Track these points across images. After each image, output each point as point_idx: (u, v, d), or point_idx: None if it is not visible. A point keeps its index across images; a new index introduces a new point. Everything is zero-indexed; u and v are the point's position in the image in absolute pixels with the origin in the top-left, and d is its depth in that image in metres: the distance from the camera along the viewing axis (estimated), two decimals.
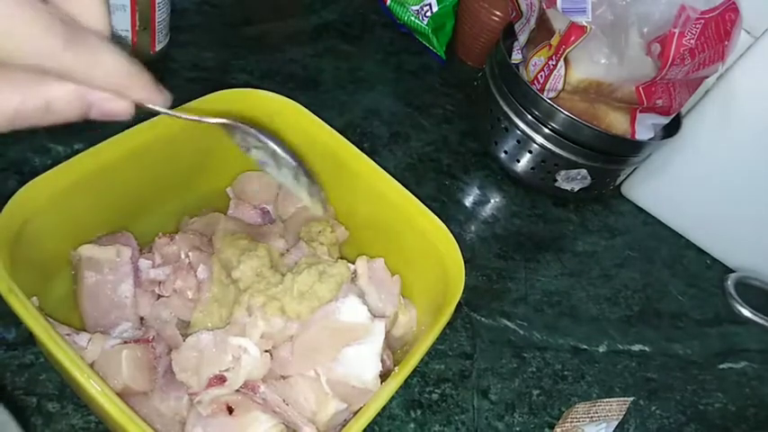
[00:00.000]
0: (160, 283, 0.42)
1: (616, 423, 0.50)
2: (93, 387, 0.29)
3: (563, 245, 0.65)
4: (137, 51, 0.59)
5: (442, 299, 0.40)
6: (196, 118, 0.30)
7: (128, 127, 0.40)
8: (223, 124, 0.31)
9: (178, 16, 0.69)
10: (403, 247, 0.45)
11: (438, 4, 0.77)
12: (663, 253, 0.69)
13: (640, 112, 0.62)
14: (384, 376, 0.37)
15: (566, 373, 0.53)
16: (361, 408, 0.34)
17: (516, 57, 0.68)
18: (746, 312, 0.64)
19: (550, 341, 0.55)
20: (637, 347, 0.58)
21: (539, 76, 0.61)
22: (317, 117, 0.46)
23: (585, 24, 0.56)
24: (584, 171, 0.64)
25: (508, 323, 0.55)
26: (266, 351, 0.38)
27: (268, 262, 0.43)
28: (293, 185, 0.35)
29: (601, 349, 0.56)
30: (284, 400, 0.37)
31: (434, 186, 0.65)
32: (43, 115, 0.24)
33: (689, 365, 0.58)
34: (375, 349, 0.38)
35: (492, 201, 0.67)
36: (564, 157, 0.63)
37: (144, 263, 0.42)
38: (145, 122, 0.40)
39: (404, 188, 0.44)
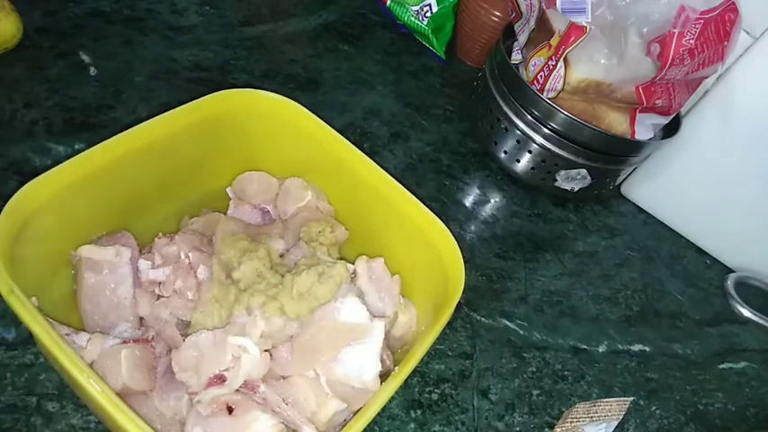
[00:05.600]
0: (160, 283, 0.42)
1: (616, 423, 0.50)
2: (92, 387, 0.29)
3: (563, 245, 0.65)
4: None
5: (442, 299, 0.40)
6: None
7: (128, 127, 0.40)
8: None
9: (178, 16, 0.69)
10: (403, 248, 0.45)
11: (438, 5, 0.77)
12: (663, 253, 0.69)
13: (640, 112, 0.62)
14: (384, 376, 0.37)
15: (565, 373, 0.53)
16: (360, 408, 0.34)
17: (516, 57, 0.68)
18: (746, 312, 0.64)
19: (550, 341, 0.55)
20: (636, 347, 0.58)
21: (538, 76, 0.61)
22: (317, 117, 0.46)
23: (585, 25, 0.56)
24: (583, 171, 0.64)
25: (508, 323, 0.55)
26: (266, 351, 0.38)
27: (268, 263, 0.43)
28: None
29: (601, 349, 0.56)
30: (284, 400, 0.37)
31: (434, 186, 0.65)
32: None
33: (689, 365, 0.58)
34: (375, 349, 0.38)
35: (492, 201, 0.67)
36: (564, 157, 0.63)
37: (144, 263, 0.42)
38: (145, 123, 0.40)
39: (404, 188, 0.44)
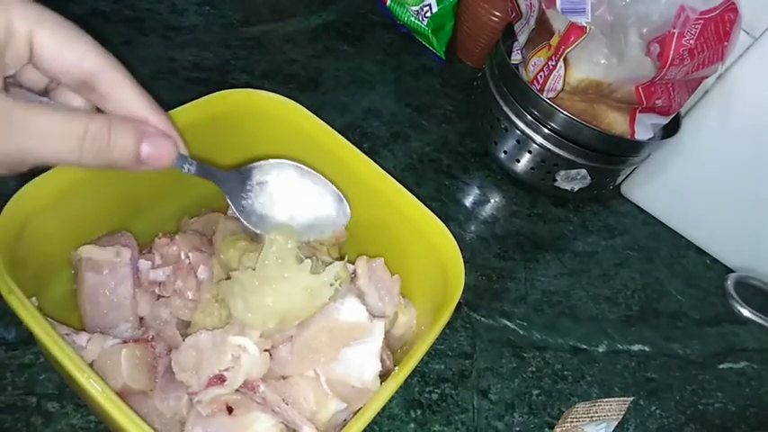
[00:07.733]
0: (160, 283, 0.42)
1: (616, 423, 0.50)
2: (92, 387, 0.29)
3: (563, 245, 0.65)
4: None
5: (442, 299, 0.40)
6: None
7: None
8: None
9: (178, 16, 0.69)
10: (403, 247, 0.45)
11: (438, 5, 0.77)
12: (663, 253, 0.69)
13: (640, 112, 0.62)
14: (384, 376, 0.37)
15: (565, 372, 0.53)
16: (360, 408, 0.34)
17: (516, 57, 0.68)
18: (746, 312, 0.64)
19: (550, 341, 0.55)
20: (636, 347, 0.58)
21: (538, 76, 0.61)
22: (317, 117, 0.46)
23: (585, 25, 0.56)
24: (583, 171, 0.64)
25: (508, 323, 0.55)
26: (266, 350, 0.38)
27: None
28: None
29: (600, 349, 0.56)
30: (284, 400, 0.37)
31: (434, 186, 0.65)
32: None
33: (689, 365, 0.58)
34: (375, 349, 0.38)
35: (492, 201, 0.67)
36: (564, 157, 0.63)
37: (144, 263, 0.42)
38: None
39: (404, 188, 0.44)
